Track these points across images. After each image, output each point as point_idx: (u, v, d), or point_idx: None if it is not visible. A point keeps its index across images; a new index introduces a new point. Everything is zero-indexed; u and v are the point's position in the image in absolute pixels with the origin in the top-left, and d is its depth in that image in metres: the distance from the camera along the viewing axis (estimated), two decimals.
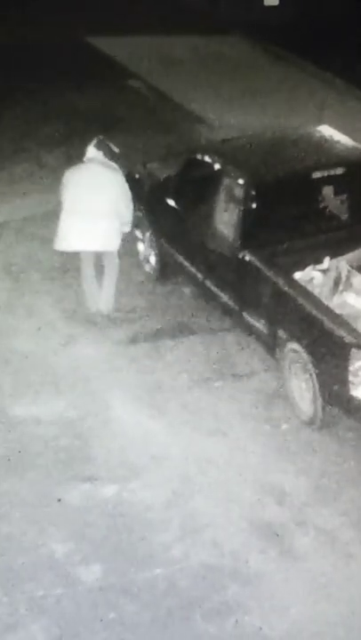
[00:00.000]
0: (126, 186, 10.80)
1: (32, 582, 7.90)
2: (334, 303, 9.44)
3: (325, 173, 10.33)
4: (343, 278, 9.64)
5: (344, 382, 8.82)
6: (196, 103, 16.13)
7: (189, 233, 10.83)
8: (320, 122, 11.90)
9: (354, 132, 11.53)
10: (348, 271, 9.70)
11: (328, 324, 9.00)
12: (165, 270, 11.49)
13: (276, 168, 10.50)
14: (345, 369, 8.78)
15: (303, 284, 9.62)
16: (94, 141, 10.97)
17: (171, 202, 11.12)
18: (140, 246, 11.83)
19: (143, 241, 11.76)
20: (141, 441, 9.30)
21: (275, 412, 9.62)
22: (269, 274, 9.74)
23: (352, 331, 8.91)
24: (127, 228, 10.98)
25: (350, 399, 8.88)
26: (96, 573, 7.99)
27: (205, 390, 9.93)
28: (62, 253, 12.07)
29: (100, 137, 11.16)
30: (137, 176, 11.97)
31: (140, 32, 18.77)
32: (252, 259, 9.94)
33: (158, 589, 7.84)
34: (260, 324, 9.90)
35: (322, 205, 10.31)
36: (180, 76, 17.28)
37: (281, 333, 9.58)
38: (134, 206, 10.97)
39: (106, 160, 10.84)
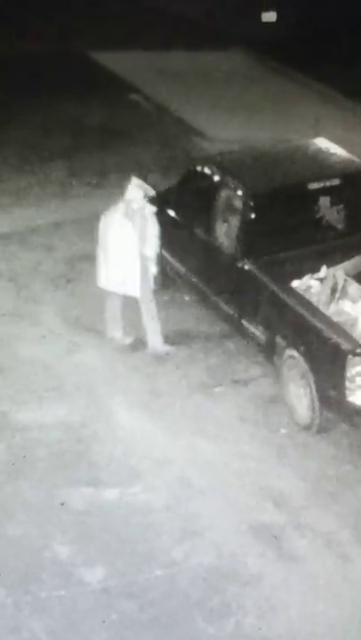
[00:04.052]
0: (157, 228, 10.47)
1: (36, 584, 7.88)
2: (331, 311, 9.43)
3: (322, 184, 10.36)
4: (340, 287, 9.62)
5: (341, 388, 8.82)
6: (196, 116, 16.12)
7: (190, 243, 10.82)
8: (317, 134, 11.89)
9: (350, 144, 11.52)
10: (345, 280, 9.68)
11: (325, 331, 9.01)
12: (166, 279, 11.47)
13: (273, 179, 10.52)
14: (342, 375, 8.78)
15: (301, 292, 9.62)
16: (133, 181, 10.45)
17: (171, 212, 11.11)
18: None
19: None
20: (143, 445, 9.29)
21: (273, 417, 9.61)
22: (268, 282, 9.74)
23: (349, 338, 8.92)
24: (153, 268, 10.60)
25: (347, 405, 8.88)
26: (98, 575, 7.97)
27: (205, 396, 9.91)
28: (66, 263, 12.15)
29: (136, 176, 10.62)
30: None
31: (140, 47, 18.78)
32: (251, 268, 9.94)
33: (159, 590, 7.83)
34: (258, 332, 9.90)
35: (319, 216, 10.33)
36: (179, 89, 17.27)
37: (279, 340, 9.57)
38: None
39: (143, 202, 10.35)
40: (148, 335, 10.49)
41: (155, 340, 10.49)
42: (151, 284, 10.50)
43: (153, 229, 10.40)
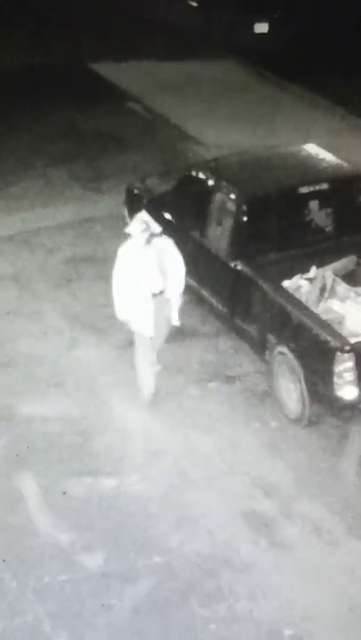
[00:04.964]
0: (178, 266, 9.54)
1: (39, 569, 7.91)
2: (320, 309, 9.45)
3: (312, 188, 10.35)
4: (328, 286, 9.65)
5: (329, 383, 8.83)
6: (192, 124, 16.13)
7: (185, 245, 10.80)
8: (307, 140, 11.91)
9: (338, 150, 11.53)
10: (333, 280, 9.71)
11: (315, 328, 9.02)
12: None
13: (266, 184, 10.52)
14: (330, 371, 8.79)
15: (291, 291, 9.64)
16: (139, 214, 9.46)
17: (167, 215, 11.12)
18: None
19: None
20: (140, 438, 9.30)
21: (265, 411, 9.62)
22: (260, 282, 9.75)
23: (337, 335, 8.93)
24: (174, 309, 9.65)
25: (335, 399, 8.89)
26: (98, 561, 8.00)
27: (200, 390, 9.93)
28: (67, 263, 12.15)
29: (143, 211, 9.63)
30: (136, 191, 12.00)
31: (138, 58, 18.80)
32: (244, 268, 9.95)
33: (156, 576, 7.85)
34: (251, 329, 9.91)
35: (309, 218, 10.33)
36: (176, 98, 17.28)
37: (270, 337, 9.58)
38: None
39: (145, 236, 9.25)
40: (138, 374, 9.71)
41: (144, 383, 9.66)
42: (168, 325, 9.65)
43: (173, 267, 9.48)
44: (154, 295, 9.39)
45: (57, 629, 7.45)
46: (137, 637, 7.40)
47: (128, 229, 9.41)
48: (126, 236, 9.42)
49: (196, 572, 7.88)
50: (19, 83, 17.66)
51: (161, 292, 9.46)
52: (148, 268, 9.33)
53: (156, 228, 9.35)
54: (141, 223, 9.31)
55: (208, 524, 8.33)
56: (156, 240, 9.33)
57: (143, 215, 9.42)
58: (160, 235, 9.39)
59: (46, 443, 9.24)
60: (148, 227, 9.30)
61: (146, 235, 9.27)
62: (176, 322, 9.66)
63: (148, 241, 9.29)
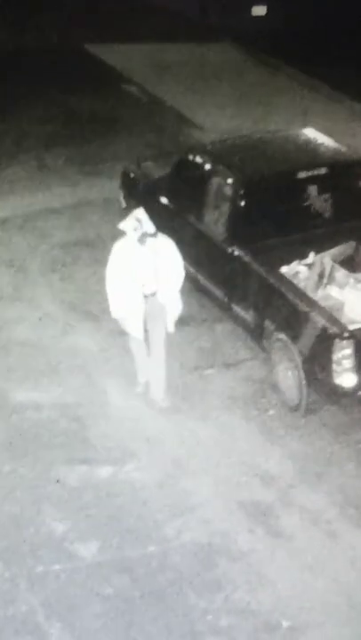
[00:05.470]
0: (174, 266, 9.25)
1: (32, 559, 7.83)
2: (319, 296, 9.39)
3: (310, 173, 10.29)
4: (327, 272, 9.59)
5: (328, 370, 8.76)
6: (188, 106, 16.07)
7: (181, 229, 10.71)
8: (305, 124, 11.82)
9: (337, 134, 11.46)
10: (332, 266, 9.64)
11: (313, 315, 8.95)
12: None
13: (263, 168, 10.45)
14: (329, 358, 8.72)
15: (289, 277, 9.56)
16: (135, 212, 9.08)
17: (164, 200, 11.04)
18: None
19: None
20: (136, 425, 9.23)
21: (262, 399, 9.55)
22: (257, 268, 9.67)
23: (335, 322, 8.86)
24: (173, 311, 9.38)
25: (334, 386, 8.83)
26: (93, 550, 7.93)
27: (196, 378, 9.86)
28: (61, 248, 12.08)
29: (140, 208, 9.14)
30: (132, 175, 11.91)
31: (135, 40, 18.70)
32: (241, 254, 9.87)
33: (152, 566, 7.78)
34: (248, 316, 9.84)
35: (307, 203, 10.26)
36: (172, 81, 17.21)
37: (268, 324, 9.51)
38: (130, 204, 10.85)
39: (137, 234, 8.93)
40: (150, 383, 9.52)
41: (156, 389, 9.47)
42: (165, 328, 9.34)
43: (170, 268, 9.20)
44: (145, 297, 9.16)
45: (51, 620, 7.37)
46: (132, 628, 7.32)
47: (121, 225, 9.13)
48: (122, 232, 9.21)
49: (192, 562, 7.81)
50: (13, 64, 17.55)
51: (153, 294, 9.20)
52: (142, 267, 9.07)
53: (150, 227, 8.99)
54: (134, 221, 8.99)
55: (205, 513, 8.26)
56: (151, 240, 9.02)
57: (138, 212, 9.06)
58: (155, 235, 9.04)
59: (40, 430, 9.16)
60: (140, 225, 8.95)
61: (138, 234, 8.96)
62: (171, 329, 9.38)
63: (142, 240, 8.98)
